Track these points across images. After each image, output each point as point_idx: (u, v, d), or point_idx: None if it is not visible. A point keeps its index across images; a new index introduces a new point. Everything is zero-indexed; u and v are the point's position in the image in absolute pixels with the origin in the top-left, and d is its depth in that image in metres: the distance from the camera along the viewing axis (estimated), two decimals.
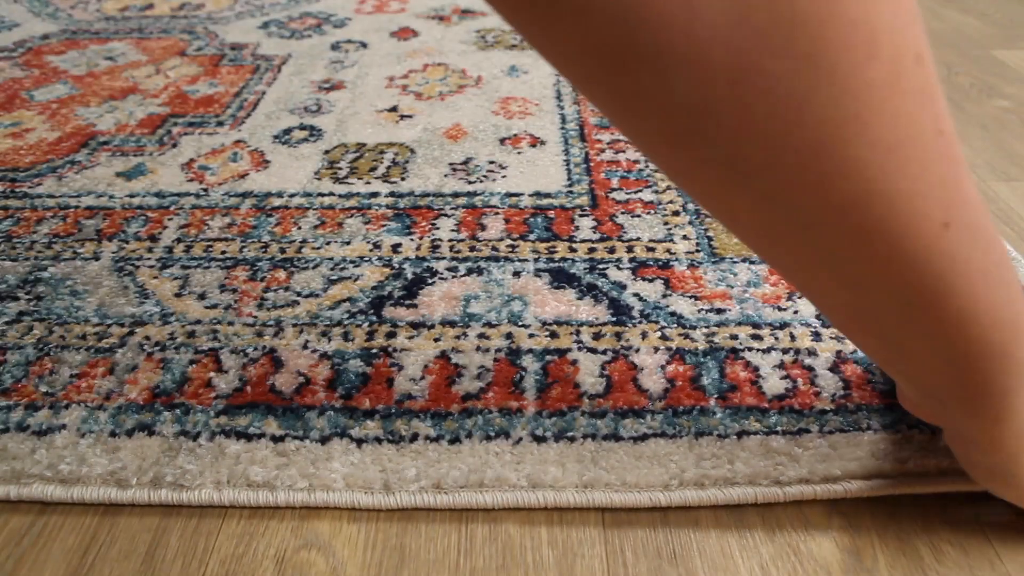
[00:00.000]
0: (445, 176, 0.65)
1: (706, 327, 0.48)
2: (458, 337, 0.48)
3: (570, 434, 0.41)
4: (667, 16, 0.21)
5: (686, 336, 0.48)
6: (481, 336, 0.48)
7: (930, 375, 0.31)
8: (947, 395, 0.32)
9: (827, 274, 0.27)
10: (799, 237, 0.26)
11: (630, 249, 0.56)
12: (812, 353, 0.46)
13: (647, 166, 0.66)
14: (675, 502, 0.38)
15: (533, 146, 0.69)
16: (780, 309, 0.50)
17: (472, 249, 0.56)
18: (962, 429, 0.34)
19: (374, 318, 0.49)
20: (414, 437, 0.41)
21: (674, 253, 0.55)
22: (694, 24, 0.21)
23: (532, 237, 0.57)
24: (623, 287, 0.52)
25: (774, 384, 0.44)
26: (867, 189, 0.24)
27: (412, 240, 0.57)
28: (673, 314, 0.49)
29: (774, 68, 0.21)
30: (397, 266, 0.54)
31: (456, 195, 0.62)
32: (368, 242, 0.57)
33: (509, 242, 0.56)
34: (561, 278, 0.53)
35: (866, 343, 0.32)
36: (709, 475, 0.39)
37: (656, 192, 0.62)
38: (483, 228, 0.58)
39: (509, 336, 0.48)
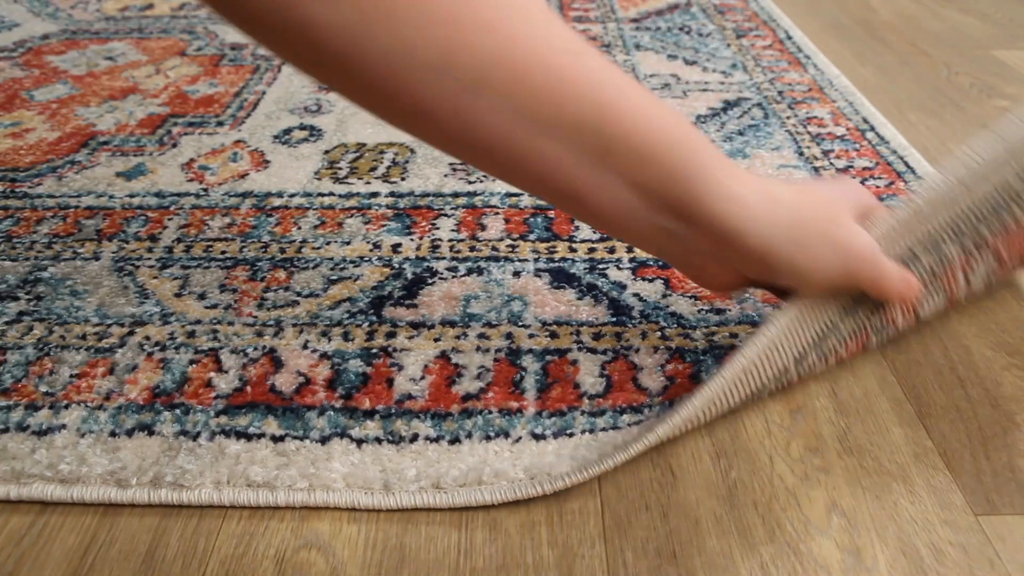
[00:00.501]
0: (445, 176, 0.65)
1: (706, 327, 0.48)
2: (458, 337, 0.48)
3: (569, 431, 0.41)
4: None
5: (686, 336, 0.48)
6: (481, 336, 0.48)
7: (629, 203, 0.34)
8: (664, 216, 0.35)
9: (503, 132, 0.31)
10: (463, 98, 0.30)
11: (630, 249, 0.56)
12: None
13: None
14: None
15: None
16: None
17: (472, 249, 0.56)
18: (696, 244, 0.36)
19: (374, 318, 0.49)
20: (414, 437, 0.41)
21: None
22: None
23: (532, 237, 0.57)
24: (623, 287, 0.52)
25: None
26: (500, 38, 0.29)
27: (412, 240, 0.57)
28: (673, 314, 0.49)
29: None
30: (397, 266, 0.54)
31: (456, 195, 0.62)
32: (368, 242, 0.57)
33: (509, 242, 0.56)
34: (561, 278, 0.53)
35: (557, 178, 0.34)
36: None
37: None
38: (483, 228, 0.58)
39: (509, 336, 0.48)
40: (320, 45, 0.28)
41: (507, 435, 0.41)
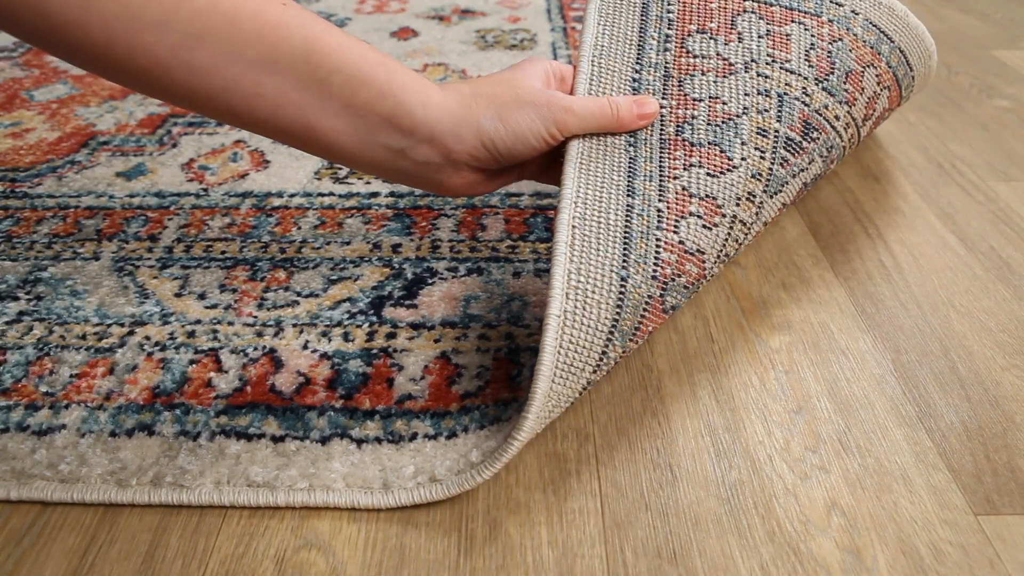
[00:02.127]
0: None
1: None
2: (458, 338, 0.48)
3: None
4: None
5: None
6: (481, 337, 0.48)
7: (356, 138, 0.39)
8: (387, 135, 0.39)
9: (225, 80, 0.35)
10: (183, 51, 0.33)
11: None
12: None
13: None
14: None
15: None
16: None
17: (472, 249, 0.56)
18: (424, 155, 0.41)
19: (374, 318, 0.49)
20: (413, 436, 0.41)
21: None
22: None
23: (532, 237, 0.57)
24: None
25: None
26: None
27: (412, 240, 0.57)
28: None
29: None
30: (397, 266, 0.54)
31: None
32: (368, 242, 0.57)
33: (509, 242, 0.56)
34: None
35: (289, 115, 0.38)
36: None
37: None
38: (483, 228, 0.58)
39: (509, 336, 0.48)
40: (48, 14, 0.31)
41: (500, 421, 0.41)
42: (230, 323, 0.49)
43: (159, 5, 0.32)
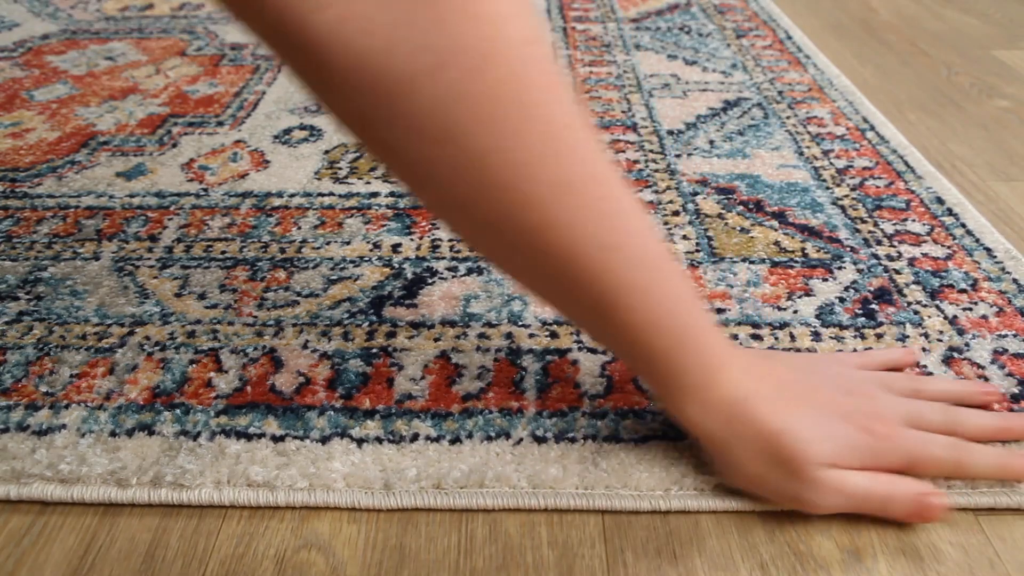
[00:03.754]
0: None
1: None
2: (458, 337, 0.48)
3: (571, 435, 0.41)
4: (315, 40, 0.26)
5: None
6: (481, 336, 0.48)
7: (629, 365, 0.41)
8: (648, 382, 0.39)
9: (538, 287, 0.35)
10: (504, 253, 0.33)
11: None
12: (811, 353, 0.46)
13: (647, 166, 0.66)
14: (675, 507, 0.38)
15: None
16: (780, 309, 0.50)
17: (472, 249, 0.56)
18: (671, 412, 0.39)
19: (374, 318, 0.49)
20: (414, 437, 0.41)
21: (674, 253, 0.55)
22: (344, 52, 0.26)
23: None
24: None
25: None
26: (544, 219, 0.30)
27: (412, 240, 0.57)
28: None
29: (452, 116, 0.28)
30: (397, 266, 0.54)
31: None
32: (368, 242, 0.57)
33: None
34: None
35: (588, 333, 0.42)
36: (709, 480, 0.38)
37: (656, 192, 0.62)
38: None
39: (509, 336, 0.48)
40: (399, 171, 0.31)
41: (508, 436, 0.41)
42: (230, 323, 0.49)
43: (489, 206, 0.30)
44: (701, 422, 0.36)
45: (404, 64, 0.26)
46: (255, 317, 0.49)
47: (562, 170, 0.30)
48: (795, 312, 0.50)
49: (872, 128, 0.72)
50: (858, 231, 0.57)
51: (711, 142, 0.70)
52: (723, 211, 0.60)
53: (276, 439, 0.41)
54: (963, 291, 0.51)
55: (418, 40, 0.26)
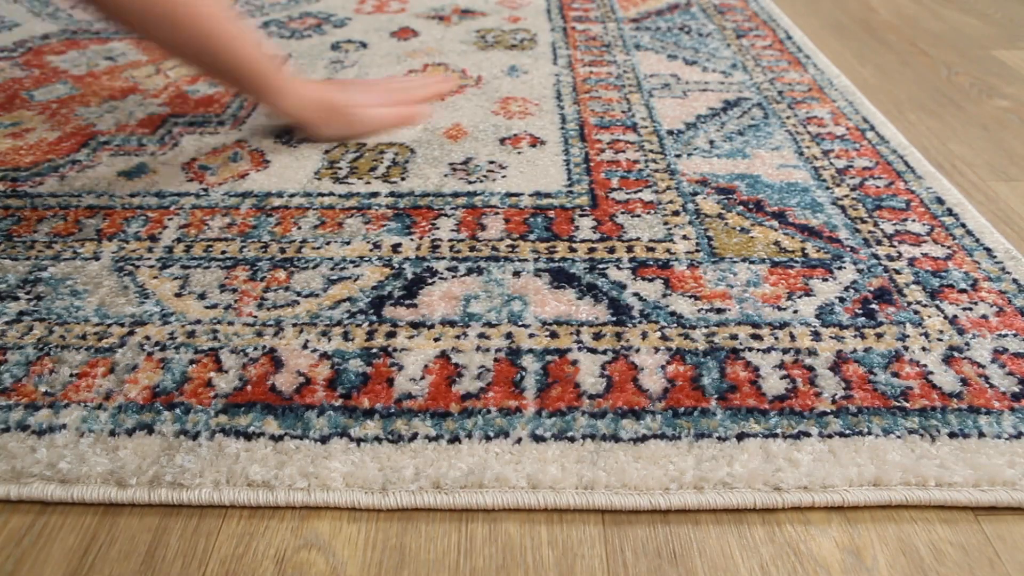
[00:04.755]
0: (445, 176, 0.65)
1: (706, 327, 0.48)
2: (458, 337, 0.48)
3: (570, 434, 0.41)
4: None
5: (686, 336, 0.48)
6: (481, 336, 0.48)
7: (243, 93, 0.74)
8: (254, 99, 0.74)
9: (191, 57, 0.61)
10: (178, 45, 0.59)
11: (630, 249, 0.56)
12: (812, 353, 0.46)
13: (647, 166, 0.66)
14: (674, 505, 0.38)
15: (533, 146, 0.69)
16: (780, 309, 0.50)
17: (472, 249, 0.56)
18: (276, 114, 0.72)
19: (374, 318, 0.49)
20: (413, 436, 0.41)
21: (674, 253, 0.55)
22: None
23: (532, 237, 0.57)
24: (623, 287, 0.52)
25: (774, 384, 0.44)
26: (204, 28, 0.58)
27: (412, 240, 0.57)
28: (673, 314, 0.49)
29: None
30: (397, 266, 0.54)
31: (456, 195, 0.62)
32: (368, 242, 0.57)
33: (509, 242, 0.56)
34: (561, 278, 0.53)
35: (215, 79, 0.78)
36: (708, 478, 0.39)
37: (656, 192, 0.62)
38: (483, 228, 0.58)
39: (509, 336, 0.48)
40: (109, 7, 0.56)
41: (507, 435, 0.41)
42: (230, 323, 0.49)
43: (172, 21, 0.57)
44: (291, 110, 0.67)
45: None
46: (255, 317, 0.50)
47: (209, 7, 0.57)
48: (795, 312, 0.50)
49: (872, 128, 0.72)
50: (858, 231, 0.57)
51: (711, 142, 0.70)
52: (723, 211, 0.60)
53: (276, 439, 0.41)
54: (963, 291, 0.51)
55: None
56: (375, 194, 0.62)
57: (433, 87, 0.78)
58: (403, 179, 0.64)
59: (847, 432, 0.41)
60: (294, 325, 0.49)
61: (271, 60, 0.64)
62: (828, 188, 0.63)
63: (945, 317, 0.49)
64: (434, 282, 0.52)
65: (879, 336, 0.48)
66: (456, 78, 0.80)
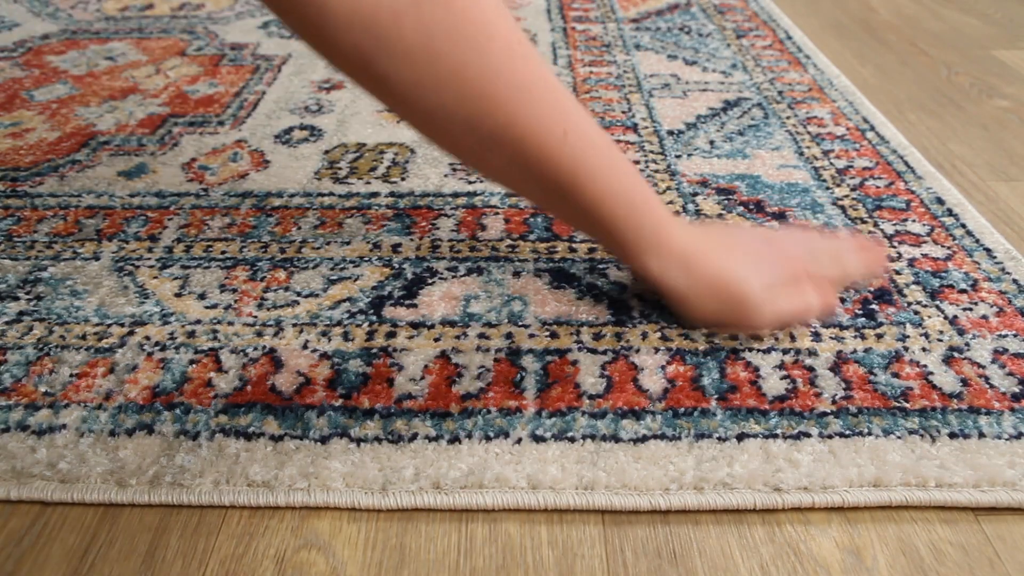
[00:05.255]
0: (445, 176, 0.65)
1: (706, 327, 0.48)
2: (458, 337, 0.48)
3: (570, 434, 0.41)
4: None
5: (686, 336, 0.48)
6: (481, 336, 0.48)
7: (595, 236, 0.48)
8: (612, 249, 0.48)
9: (513, 179, 0.43)
10: (482, 152, 0.40)
11: None
12: (812, 353, 0.46)
13: (647, 166, 0.66)
14: (675, 505, 0.38)
15: None
16: None
17: (472, 249, 0.56)
18: (635, 269, 0.49)
19: (374, 318, 0.49)
20: (413, 436, 0.41)
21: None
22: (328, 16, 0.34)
23: (532, 237, 0.57)
24: (623, 287, 0.52)
25: (774, 384, 0.44)
26: (510, 115, 0.38)
27: (412, 240, 0.57)
28: (673, 314, 0.49)
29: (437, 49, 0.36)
30: (397, 266, 0.54)
31: (456, 195, 0.62)
32: (368, 242, 0.57)
33: (509, 242, 0.56)
34: (561, 278, 0.53)
35: (558, 217, 0.56)
36: (708, 479, 0.39)
37: (656, 192, 0.62)
38: (483, 228, 0.58)
39: (509, 336, 0.48)
40: (392, 95, 0.38)
41: (507, 435, 0.41)
42: (230, 323, 0.49)
43: (467, 112, 0.38)
44: (662, 272, 0.46)
45: (390, 4, 0.34)
46: (255, 317, 0.50)
47: (519, 75, 0.38)
48: None
49: (872, 128, 0.72)
50: (858, 231, 0.57)
51: (711, 142, 0.70)
52: (723, 211, 0.60)
53: (275, 439, 0.41)
54: (963, 291, 0.51)
55: None
56: (375, 194, 0.62)
57: (869, 262, 0.51)
58: (403, 179, 0.64)
59: (847, 433, 0.41)
60: (294, 325, 0.49)
61: (653, 194, 0.45)
62: (828, 188, 0.63)
63: (945, 317, 0.49)
64: (434, 282, 0.52)
65: (879, 337, 0.48)
66: (885, 245, 0.56)
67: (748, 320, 0.46)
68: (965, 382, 0.44)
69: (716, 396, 0.43)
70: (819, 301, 0.47)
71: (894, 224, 0.58)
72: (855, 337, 0.48)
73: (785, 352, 0.46)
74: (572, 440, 0.41)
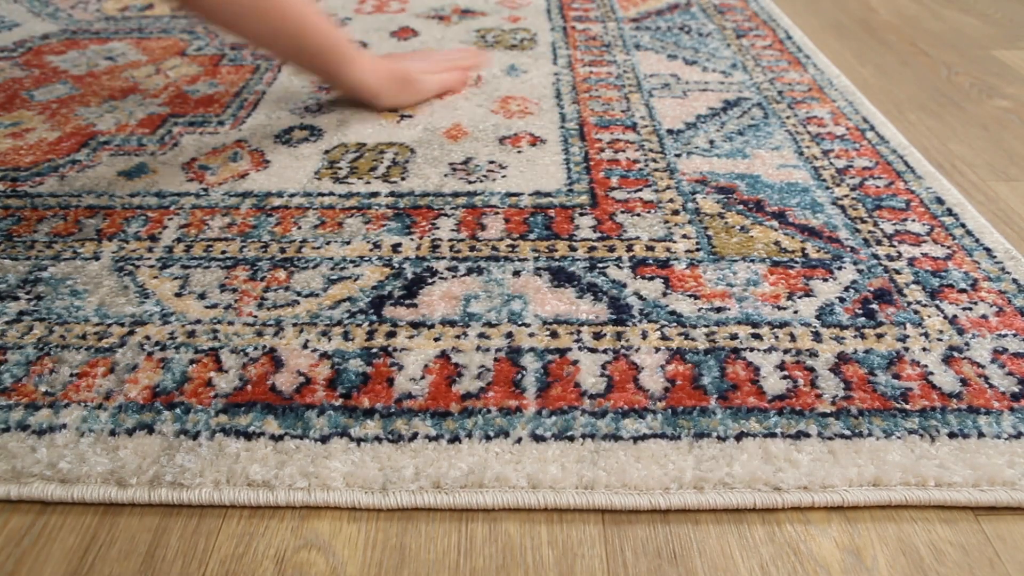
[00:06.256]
0: (445, 176, 0.65)
1: (706, 326, 0.48)
2: (458, 336, 0.48)
3: (570, 434, 0.41)
4: None
5: (686, 336, 0.48)
6: (481, 336, 0.48)
7: (314, 71, 0.73)
8: (326, 76, 0.74)
9: (268, 42, 0.66)
10: (264, 35, 0.64)
11: (630, 248, 0.56)
12: (813, 354, 0.46)
13: (647, 165, 0.66)
14: (675, 505, 0.38)
15: (533, 145, 0.69)
16: (780, 308, 0.50)
17: (472, 249, 0.56)
18: (341, 86, 0.76)
19: (374, 318, 0.49)
20: (413, 436, 0.41)
21: (674, 252, 0.55)
22: None
23: (532, 236, 0.57)
24: (623, 286, 0.52)
25: (774, 384, 0.44)
26: (290, 14, 0.63)
27: (412, 240, 0.57)
28: (673, 313, 0.49)
29: None
30: (397, 266, 0.54)
31: (456, 195, 0.62)
32: (368, 242, 0.57)
33: (509, 242, 0.56)
34: (561, 277, 0.53)
35: (287, 61, 0.79)
36: (708, 478, 0.39)
37: (656, 191, 0.62)
38: (483, 228, 0.58)
39: (509, 335, 0.48)
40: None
41: (507, 435, 0.41)
42: (230, 323, 0.49)
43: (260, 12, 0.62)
44: (363, 80, 0.72)
45: None
46: (255, 317, 0.50)
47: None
48: (795, 312, 0.50)
49: (872, 128, 0.72)
50: (858, 231, 0.57)
51: (711, 142, 0.70)
52: (723, 210, 0.60)
53: (276, 438, 0.41)
54: (963, 291, 0.51)
55: None
56: (375, 194, 0.62)
57: (472, 58, 0.85)
58: (403, 179, 0.64)
59: (847, 433, 0.41)
60: (294, 325, 0.49)
61: (344, 34, 0.70)
62: (828, 188, 0.63)
63: (945, 317, 0.49)
64: (434, 282, 0.52)
65: (879, 336, 0.48)
66: (487, 52, 0.88)
67: (420, 94, 0.76)
68: (965, 382, 0.44)
69: (716, 395, 0.43)
70: (462, 74, 0.80)
71: (894, 224, 0.58)
72: (855, 337, 0.48)
73: (786, 352, 0.46)
74: (572, 439, 0.41)
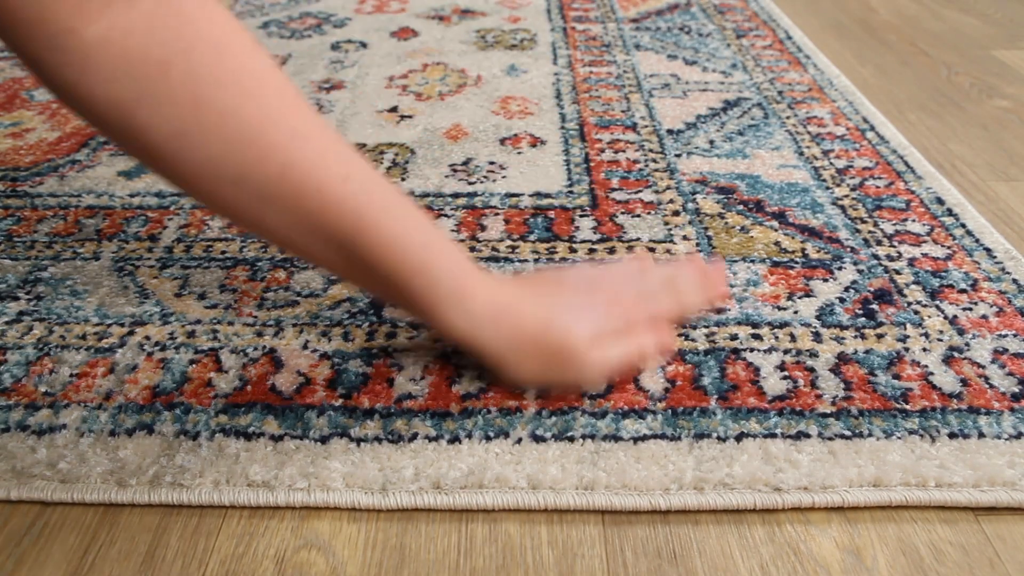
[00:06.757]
0: (445, 176, 0.65)
1: (706, 327, 0.48)
2: None
3: (570, 434, 0.41)
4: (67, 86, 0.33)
5: (686, 336, 0.48)
6: None
7: (392, 297, 0.43)
8: (411, 308, 0.42)
9: (292, 236, 0.38)
10: (256, 208, 0.37)
11: (630, 249, 0.56)
12: (813, 354, 0.46)
13: (647, 166, 0.66)
14: (675, 505, 0.38)
15: (533, 146, 0.69)
16: (780, 308, 0.50)
17: (472, 250, 0.56)
18: (439, 329, 0.42)
19: (374, 318, 0.49)
20: (413, 436, 0.41)
21: (674, 253, 0.55)
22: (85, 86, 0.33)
23: (532, 237, 0.57)
24: None
25: (774, 384, 0.44)
26: (286, 161, 0.35)
27: None
28: None
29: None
30: None
31: (456, 195, 0.62)
32: None
33: (509, 243, 0.56)
34: None
35: (348, 280, 0.48)
36: (708, 479, 0.39)
37: (656, 192, 0.62)
38: (483, 228, 0.58)
39: None
40: (150, 149, 0.35)
41: (507, 435, 0.41)
42: (230, 323, 0.49)
43: (237, 161, 0.35)
44: (469, 330, 0.40)
45: (160, 50, 0.32)
46: (255, 317, 0.50)
47: (294, 119, 0.36)
48: (795, 312, 0.50)
49: (872, 128, 0.72)
50: (858, 231, 0.57)
51: (711, 142, 0.70)
52: (723, 210, 0.60)
53: (275, 439, 0.41)
54: (963, 291, 0.51)
55: (172, 33, 0.33)
56: None
57: (707, 288, 0.46)
58: (403, 179, 0.64)
59: (847, 434, 0.41)
60: (294, 325, 0.49)
61: (451, 241, 0.41)
62: (828, 188, 0.63)
63: (945, 317, 0.49)
64: None
65: (879, 337, 0.48)
66: (723, 267, 0.53)
67: (576, 376, 0.42)
68: (965, 382, 0.44)
69: (716, 396, 0.43)
70: (655, 343, 0.43)
71: (894, 224, 0.58)
72: (855, 337, 0.48)
73: (786, 352, 0.46)
74: (572, 440, 0.41)
